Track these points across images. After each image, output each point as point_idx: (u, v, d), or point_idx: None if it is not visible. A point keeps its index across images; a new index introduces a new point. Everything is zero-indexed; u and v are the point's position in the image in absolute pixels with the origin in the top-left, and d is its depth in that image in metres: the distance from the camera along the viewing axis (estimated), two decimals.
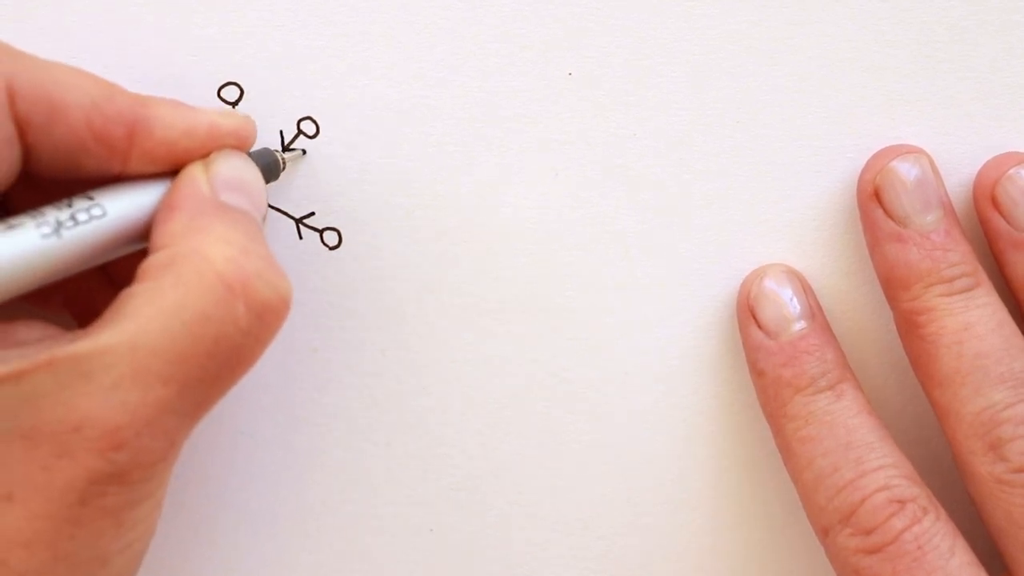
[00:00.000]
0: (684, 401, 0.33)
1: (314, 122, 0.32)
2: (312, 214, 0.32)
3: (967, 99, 0.32)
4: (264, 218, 0.28)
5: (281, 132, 0.32)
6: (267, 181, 0.29)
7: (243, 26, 0.31)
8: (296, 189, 0.32)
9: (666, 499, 0.34)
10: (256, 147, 0.30)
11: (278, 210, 0.32)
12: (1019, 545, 0.29)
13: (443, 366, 0.33)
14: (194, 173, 0.27)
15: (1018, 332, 0.30)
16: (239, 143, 0.28)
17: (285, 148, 0.32)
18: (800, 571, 0.34)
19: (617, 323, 0.33)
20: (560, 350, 0.33)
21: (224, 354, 0.25)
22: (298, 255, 0.32)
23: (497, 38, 0.32)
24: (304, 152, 0.32)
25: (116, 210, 0.26)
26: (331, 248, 0.32)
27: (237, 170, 0.27)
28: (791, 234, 0.33)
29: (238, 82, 0.31)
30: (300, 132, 0.32)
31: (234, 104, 0.31)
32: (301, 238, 0.32)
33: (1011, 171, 0.31)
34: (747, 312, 0.32)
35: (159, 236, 0.26)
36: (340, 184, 0.32)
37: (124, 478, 0.24)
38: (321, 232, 0.32)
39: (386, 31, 0.31)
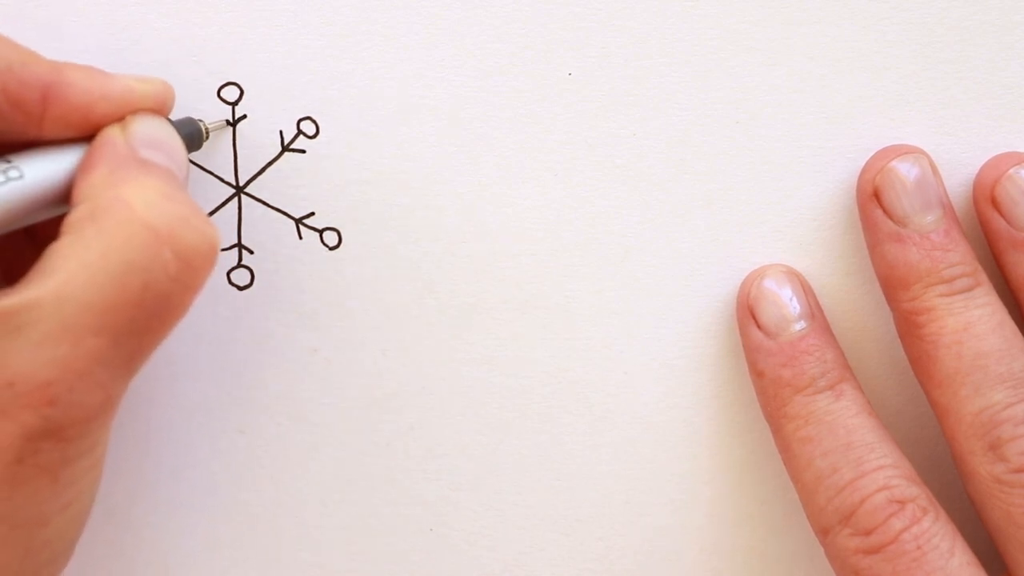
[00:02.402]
0: (684, 401, 0.33)
1: (314, 122, 0.32)
2: (312, 214, 0.32)
3: (967, 99, 0.32)
4: (186, 180, 0.28)
5: (281, 132, 0.32)
6: (190, 150, 0.29)
7: (243, 26, 0.31)
8: (296, 189, 0.32)
9: (666, 499, 0.34)
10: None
11: (278, 210, 0.32)
12: (1018, 545, 0.29)
13: (443, 366, 0.33)
14: (111, 133, 0.27)
15: (1018, 332, 0.30)
16: (157, 108, 0.28)
17: (285, 148, 0.32)
18: (800, 571, 0.34)
19: (617, 323, 0.33)
20: (560, 350, 0.33)
21: (154, 302, 0.24)
22: (298, 255, 0.32)
23: (497, 38, 0.32)
24: (229, 123, 0.31)
25: (33, 172, 0.26)
26: (331, 248, 0.32)
27: (155, 130, 0.27)
28: (791, 234, 0.33)
29: (238, 82, 0.31)
30: (300, 132, 0.32)
31: (234, 104, 0.31)
32: (301, 238, 0.32)
33: (1010, 171, 0.31)
34: (747, 312, 0.32)
35: (80, 191, 0.25)
36: (340, 184, 0.32)
37: (60, 434, 0.23)
38: (321, 232, 0.32)
39: (386, 31, 0.31)
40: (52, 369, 0.23)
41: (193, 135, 0.30)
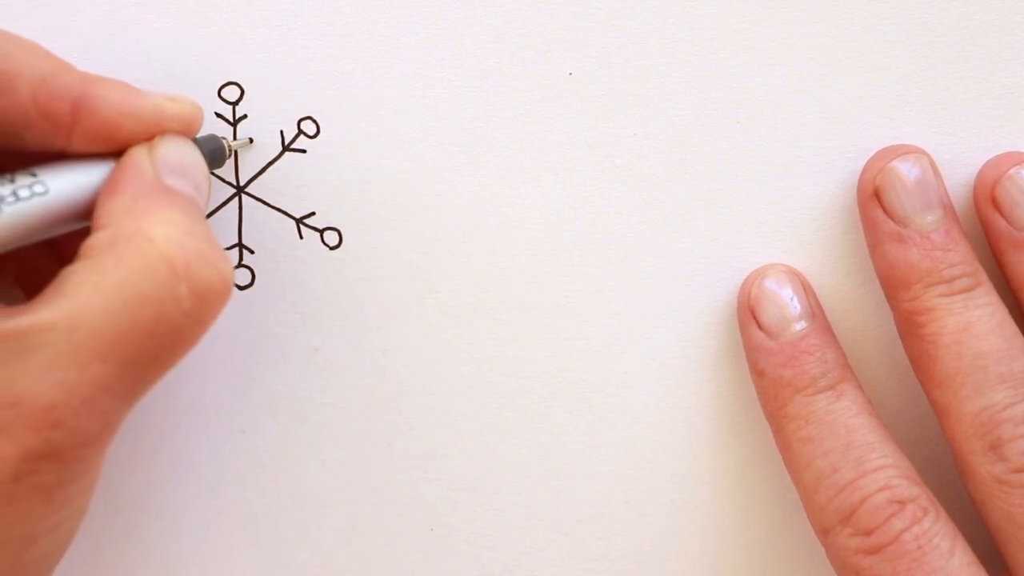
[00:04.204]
0: (684, 401, 0.33)
1: (314, 122, 0.32)
2: (312, 214, 0.32)
3: (967, 99, 0.32)
4: (207, 203, 0.28)
5: (281, 132, 0.32)
6: (212, 168, 0.29)
7: (243, 26, 0.31)
8: (296, 189, 0.32)
9: (666, 499, 0.34)
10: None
11: (278, 210, 0.32)
12: (1019, 545, 0.29)
13: (443, 366, 0.33)
14: (138, 155, 0.27)
15: (1018, 332, 0.30)
16: (185, 128, 0.28)
17: (285, 148, 0.32)
18: (800, 571, 0.34)
19: (617, 323, 0.33)
20: (560, 350, 0.33)
21: (164, 335, 0.24)
22: (298, 255, 0.32)
23: (497, 38, 0.32)
24: (251, 140, 0.32)
25: (58, 188, 0.26)
26: (331, 248, 0.32)
27: (181, 154, 0.27)
28: (791, 234, 0.33)
29: (238, 82, 0.31)
30: (300, 132, 0.32)
31: (235, 104, 0.31)
32: (301, 238, 0.32)
33: (1011, 171, 0.31)
34: (747, 312, 0.32)
35: (101, 216, 0.25)
36: (340, 184, 0.32)
37: (59, 457, 0.23)
38: (321, 232, 0.32)
39: (386, 31, 0.31)
40: (58, 392, 0.23)
41: (216, 153, 0.30)
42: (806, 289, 0.32)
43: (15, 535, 0.24)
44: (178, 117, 0.28)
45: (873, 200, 0.31)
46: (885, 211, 0.31)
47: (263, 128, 0.32)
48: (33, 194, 0.25)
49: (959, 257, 0.31)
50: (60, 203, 0.26)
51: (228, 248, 0.32)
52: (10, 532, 0.24)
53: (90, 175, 0.26)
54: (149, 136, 0.27)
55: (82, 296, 0.24)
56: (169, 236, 0.25)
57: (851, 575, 0.29)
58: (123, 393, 0.24)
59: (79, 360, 0.23)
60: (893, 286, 0.31)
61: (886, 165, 0.31)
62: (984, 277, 0.31)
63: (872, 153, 0.32)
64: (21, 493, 0.23)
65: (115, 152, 0.27)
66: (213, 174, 0.32)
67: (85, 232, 0.26)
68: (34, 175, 0.26)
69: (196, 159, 0.28)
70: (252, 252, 0.32)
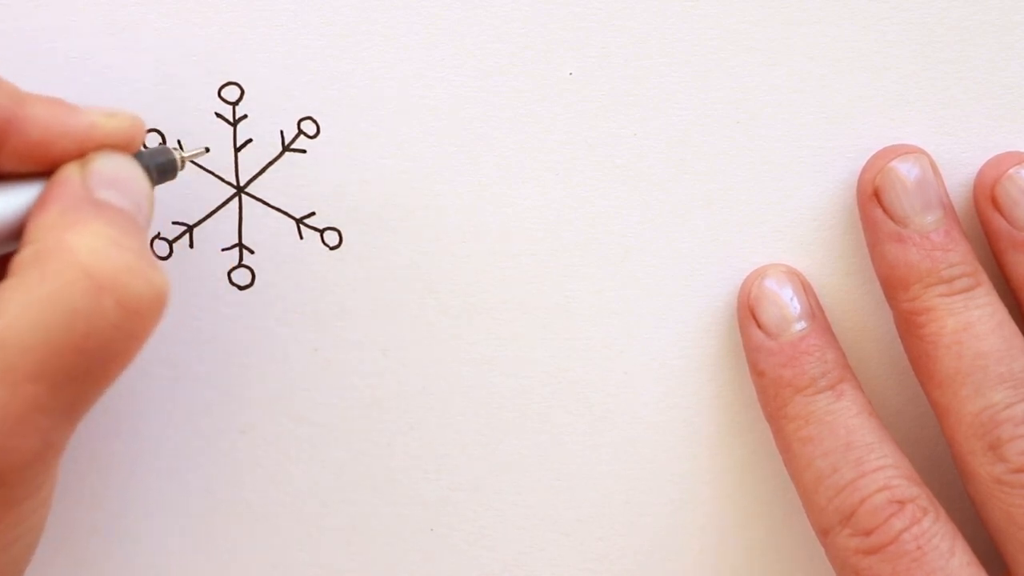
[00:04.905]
0: (684, 401, 0.33)
1: (314, 122, 0.32)
2: (312, 214, 0.32)
3: (967, 99, 0.32)
4: (148, 219, 0.27)
5: (281, 132, 0.32)
6: (162, 180, 0.29)
7: (243, 26, 0.31)
8: (296, 189, 0.32)
9: (666, 499, 0.34)
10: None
11: (278, 210, 0.32)
12: (1019, 545, 0.29)
13: (443, 366, 0.33)
14: (69, 171, 0.26)
15: (1018, 332, 0.30)
16: (124, 145, 0.27)
17: (285, 148, 0.32)
18: (800, 571, 0.34)
19: (617, 323, 0.33)
20: (560, 350, 0.33)
21: (95, 350, 0.24)
22: (298, 255, 0.32)
23: (497, 38, 0.32)
24: (207, 150, 0.31)
25: None
26: (331, 248, 0.32)
27: (116, 169, 0.26)
28: (791, 234, 0.33)
29: (238, 82, 0.31)
30: (300, 132, 0.32)
31: (235, 104, 0.31)
32: (301, 238, 0.32)
33: (1011, 171, 0.31)
34: (747, 312, 0.32)
35: (30, 232, 0.25)
36: (340, 184, 0.32)
37: None
38: (321, 232, 0.32)
39: (386, 31, 0.31)
40: None
41: (165, 166, 0.29)
42: (806, 289, 0.32)
43: None
44: (114, 134, 0.27)
45: (873, 200, 0.31)
46: (885, 211, 0.31)
47: (263, 128, 0.32)
48: None
49: (959, 257, 0.31)
50: None
51: (228, 248, 0.32)
52: None
53: (20, 196, 0.26)
54: (83, 154, 0.26)
55: (8, 314, 0.23)
56: (92, 248, 0.24)
57: (851, 575, 0.29)
58: (59, 411, 0.24)
59: (8, 380, 0.23)
60: (893, 286, 0.31)
61: (886, 165, 0.31)
62: (984, 277, 0.31)
63: (872, 153, 0.32)
64: None
65: (48, 171, 0.26)
66: (213, 174, 0.32)
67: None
68: None
69: (134, 173, 0.27)
70: (252, 252, 0.32)
